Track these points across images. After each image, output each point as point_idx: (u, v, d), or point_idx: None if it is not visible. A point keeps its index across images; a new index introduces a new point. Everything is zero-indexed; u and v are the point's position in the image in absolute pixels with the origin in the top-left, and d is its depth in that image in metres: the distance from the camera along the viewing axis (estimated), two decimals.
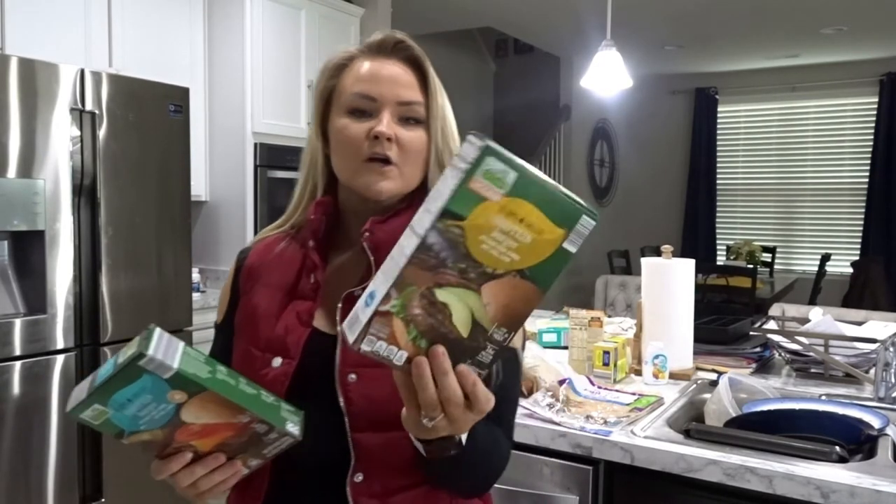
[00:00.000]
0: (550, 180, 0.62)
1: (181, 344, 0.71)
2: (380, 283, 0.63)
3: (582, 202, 0.62)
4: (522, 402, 1.49)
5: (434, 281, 0.61)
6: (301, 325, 0.91)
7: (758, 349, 2.04)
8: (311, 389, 0.87)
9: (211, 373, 0.71)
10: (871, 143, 6.61)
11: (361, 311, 0.64)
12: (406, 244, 0.62)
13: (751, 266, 5.17)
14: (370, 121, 0.90)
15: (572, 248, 0.63)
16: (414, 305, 0.62)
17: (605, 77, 3.34)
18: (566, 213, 0.61)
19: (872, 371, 1.81)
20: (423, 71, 0.94)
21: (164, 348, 0.68)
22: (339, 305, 0.90)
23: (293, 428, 0.77)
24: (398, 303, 0.62)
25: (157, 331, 0.70)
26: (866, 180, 6.64)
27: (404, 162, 0.90)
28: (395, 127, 0.90)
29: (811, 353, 1.91)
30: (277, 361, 0.89)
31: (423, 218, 0.61)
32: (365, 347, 0.63)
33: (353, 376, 0.86)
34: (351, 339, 0.63)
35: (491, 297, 0.63)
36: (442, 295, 0.62)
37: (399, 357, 0.64)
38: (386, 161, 0.89)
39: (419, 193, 0.93)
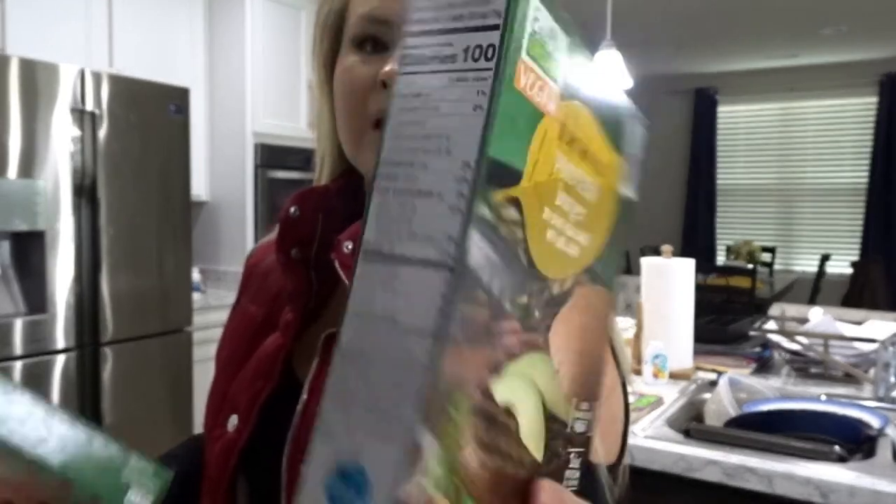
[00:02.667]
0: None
1: None
2: (368, 438, 0.26)
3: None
4: None
5: (491, 364, 0.28)
6: (260, 377, 0.63)
7: (758, 349, 2.04)
8: (262, 465, 0.61)
9: None
10: (871, 144, 6.60)
11: None
12: (417, 302, 0.26)
13: (751, 266, 5.17)
14: (385, 57, 0.56)
15: (633, 195, 0.36)
16: (467, 449, 0.27)
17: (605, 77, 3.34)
18: (619, 119, 0.34)
19: (872, 371, 1.81)
20: None
21: None
22: (317, 356, 0.59)
23: (140, 499, 0.52)
24: (439, 468, 0.26)
25: None
26: (866, 180, 6.63)
27: None
28: None
29: (811, 353, 1.91)
30: (233, 422, 0.63)
31: (436, 208, 0.26)
32: None
33: None
34: None
35: (560, 349, 0.32)
36: (503, 391, 0.29)
37: None
38: None
39: None
